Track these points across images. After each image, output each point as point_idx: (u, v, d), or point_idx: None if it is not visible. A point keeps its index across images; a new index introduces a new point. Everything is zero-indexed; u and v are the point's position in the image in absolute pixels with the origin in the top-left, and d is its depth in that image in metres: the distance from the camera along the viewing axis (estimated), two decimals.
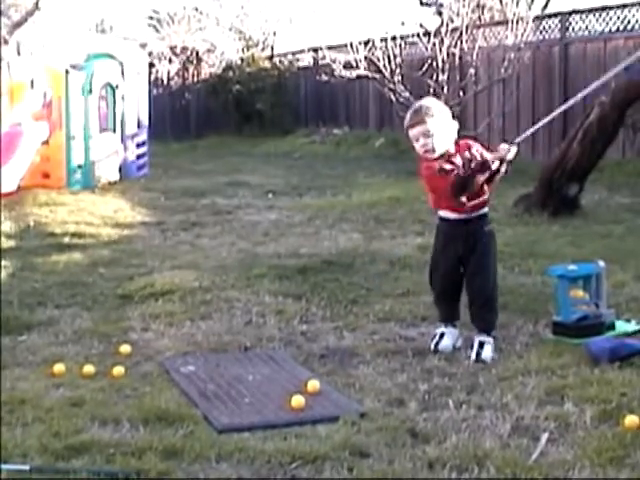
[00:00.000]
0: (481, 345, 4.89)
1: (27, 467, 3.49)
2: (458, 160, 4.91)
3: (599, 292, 5.29)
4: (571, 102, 5.64)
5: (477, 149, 4.96)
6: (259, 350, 5.17)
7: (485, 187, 4.95)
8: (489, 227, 5.06)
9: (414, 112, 4.96)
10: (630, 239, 7.99)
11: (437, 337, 5.09)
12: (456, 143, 4.99)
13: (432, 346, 5.04)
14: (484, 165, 4.83)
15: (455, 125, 4.98)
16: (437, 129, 4.88)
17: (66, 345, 5.26)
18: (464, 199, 4.91)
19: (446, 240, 5.11)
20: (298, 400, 4.19)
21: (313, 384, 4.41)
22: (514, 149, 4.82)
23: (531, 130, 5.36)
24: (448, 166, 4.87)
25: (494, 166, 4.84)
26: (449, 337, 5.08)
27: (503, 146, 4.82)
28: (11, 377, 4.66)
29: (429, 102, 5.04)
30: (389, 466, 3.52)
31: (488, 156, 4.87)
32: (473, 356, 4.84)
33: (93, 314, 5.95)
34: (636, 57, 6.75)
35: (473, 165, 4.85)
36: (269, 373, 4.72)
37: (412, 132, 4.94)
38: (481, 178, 4.85)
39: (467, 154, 4.93)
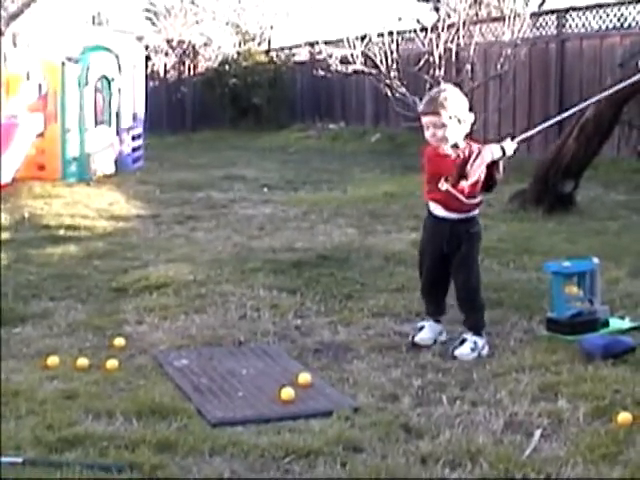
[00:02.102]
0: (462, 342, 4.92)
1: (20, 459, 3.49)
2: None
3: (593, 289, 5.29)
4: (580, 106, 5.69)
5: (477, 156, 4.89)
6: (253, 344, 5.17)
7: (477, 189, 4.94)
8: (475, 229, 5.03)
9: (429, 100, 4.94)
10: (625, 236, 8.00)
11: (417, 330, 5.11)
12: (469, 138, 4.98)
13: (410, 338, 5.08)
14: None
15: (470, 117, 4.93)
16: (448, 121, 4.83)
17: (60, 337, 5.26)
18: (460, 196, 4.91)
19: (432, 236, 5.12)
20: (288, 392, 4.20)
21: (304, 377, 4.42)
22: (514, 146, 4.90)
23: (535, 130, 5.40)
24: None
25: (495, 155, 4.87)
26: (429, 330, 5.09)
27: (508, 143, 4.90)
28: (5, 369, 4.65)
29: (447, 92, 4.94)
30: (382, 461, 3.53)
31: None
32: (450, 350, 4.90)
33: (87, 307, 5.95)
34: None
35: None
36: (263, 367, 4.72)
37: (424, 119, 4.93)
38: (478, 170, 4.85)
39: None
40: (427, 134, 4.92)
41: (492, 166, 4.91)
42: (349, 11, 20.50)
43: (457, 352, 4.85)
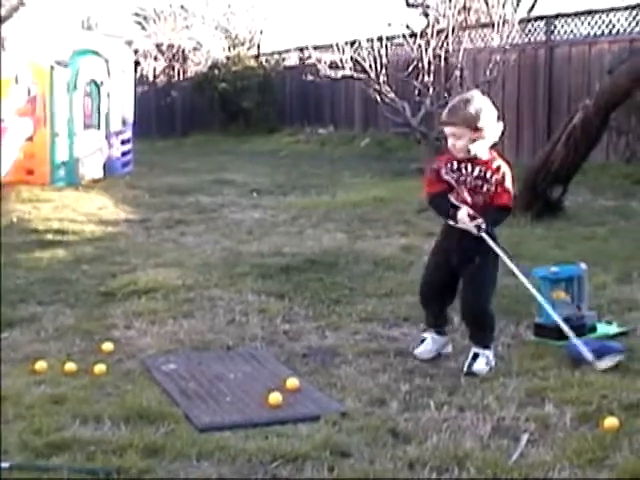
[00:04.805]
0: (475, 357, 4.74)
1: (7, 464, 3.48)
2: (474, 171, 4.71)
3: (581, 294, 5.31)
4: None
5: (498, 180, 4.71)
6: (241, 349, 5.16)
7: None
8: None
9: (450, 110, 4.70)
10: (613, 241, 8.02)
11: (419, 342, 5.04)
12: (493, 150, 4.77)
13: (414, 350, 4.98)
14: (450, 213, 4.72)
15: (498, 127, 4.70)
16: (468, 132, 4.62)
17: (48, 342, 5.25)
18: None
19: (442, 241, 4.95)
20: (276, 397, 4.20)
21: (292, 381, 4.42)
22: (481, 232, 4.64)
23: (513, 269, 4.99)
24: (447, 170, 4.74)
25: (459, 222, 4.68)
26: (430, 343, 4.96)
27: (475, 222, 4.65)
28: None
29: (470, 101, 4.67)
30: (370, 466, 3.53)
31: (466, 214, 4.67)
32: (465, 368, 4.70)
33: (76, 311, 5.94)
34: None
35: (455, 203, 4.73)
36: (251, 372, 4.72)
37: (445, 129, 4.73)
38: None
39: (487, 174, 4.71)
40: (448, 143, 4.72)
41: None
42: (338, 16, 20.52)
43: (475, 369, 4.66)
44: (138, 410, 4.06)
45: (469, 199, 4.73)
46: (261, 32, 23.88)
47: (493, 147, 4.83)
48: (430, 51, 13.95)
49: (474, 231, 4.66)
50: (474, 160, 4.72)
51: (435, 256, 5.00)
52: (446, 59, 14.17)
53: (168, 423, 3.95)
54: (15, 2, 13.30)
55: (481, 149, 4.71)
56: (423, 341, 5.01)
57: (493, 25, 14.19)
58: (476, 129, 4.62)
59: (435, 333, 4.99)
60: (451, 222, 4.76)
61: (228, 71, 21.41)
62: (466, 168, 4.74)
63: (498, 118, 4.74)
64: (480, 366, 4.69)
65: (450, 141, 4.72)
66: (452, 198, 4.78)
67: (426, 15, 16.34)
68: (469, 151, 4.68)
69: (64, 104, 12.33)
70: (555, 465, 3.51)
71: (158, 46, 22.98)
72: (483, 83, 14.40)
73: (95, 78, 13.07)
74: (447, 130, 4.72)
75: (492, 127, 4.69)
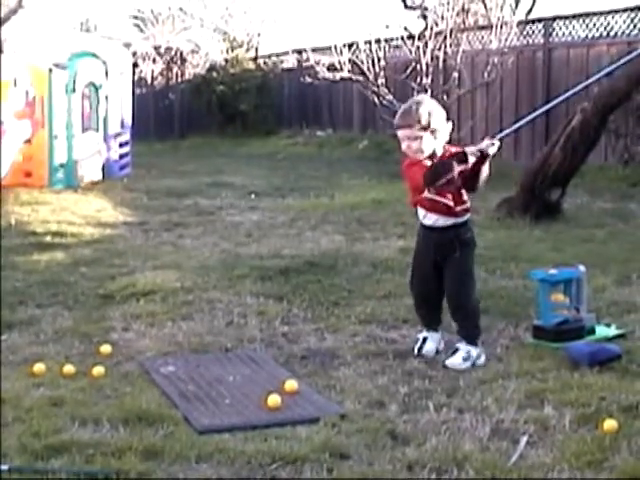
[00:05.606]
0: (454, 351, 4.85)
1: (6, 467, 3.47)
2: None
3: (580, 296, 5.31)
4: (555, 102, 5.60)
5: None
6: (240, 351, 5.16)
7: (464, 193, 4.86)
8: (467, 235, 4.93)
9: (403, 113, 4.84)
10: (611, 244, 8.03)
11: (420, 342, 5.07)
12: (449, 144, 4.88)
13: (416, 350, 5.02)
14: (461, 155, 4.67)
15: (448, 127, 4.84)
16: (424, 134, 4.75)
17: (47, 345, 5.24)
18: (445, 200, 4.83)
19: (422, 245, 5.04)
20: (274, 399, 4.20)
21: (291, 383, 4.42)
22: (496, 144, 4.71)
23: (514, 127, 5.28)
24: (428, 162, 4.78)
25: (471, 159, 4.67)
26: (431, 341, 5.04)
27: (486, 142, 4.71)
28: None
29: (421, 103, 4.83)
30: (369, 467, 3.53)
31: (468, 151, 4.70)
32: (446, 361, 4.81)
33: (74, 314, 5.93)
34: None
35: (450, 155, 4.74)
36: (250, 374, 4.72)
37: (399, 132, 4.86)
38: (456, 170, 4.64)
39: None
40: (403, 147, 4.85)
41: (476, 166, 4.74)
42: (337, 18, 20.54)
43: (448, 362, 4.79)
44: (137, 412, 4.06)
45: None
46: (259, 34, 23.90)
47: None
48: (428, 53, 13.94)
49: (491, 150, 4.70)
50: (435, 158, 4.81)
51: (419, 260, 5.10)
52: (444, 61, 14.17)
53: (167, 425, 3.95)
54: (14, 4, 13.30)
55: (436, 148, 4.82)
56: (425, 340, 5.05)
57: (491, 27, 14.20)
58: (430, 130, 4.77)
59: (433, 331, 5.09)
60: (472, 158, 4.69)
61: (226, 73, 21.40)
62: None
63: (447, 119, 4.88)
64: (456, 360, 4.79)
65: (405, 144, 4.84)
66: (438, 197, 4.83)
67: (424, 17, 16.34)
68: (423, 152, 4.79)
69: (62, 106, 12.33)
70: (554, 467, 3.51)
71: (156, 48, 22.97)
72: (481, 85, 14.43)
73: (93, 80, 13.07)
74: (401, 133, 4.85)
75: (443, 127, 4.84)
